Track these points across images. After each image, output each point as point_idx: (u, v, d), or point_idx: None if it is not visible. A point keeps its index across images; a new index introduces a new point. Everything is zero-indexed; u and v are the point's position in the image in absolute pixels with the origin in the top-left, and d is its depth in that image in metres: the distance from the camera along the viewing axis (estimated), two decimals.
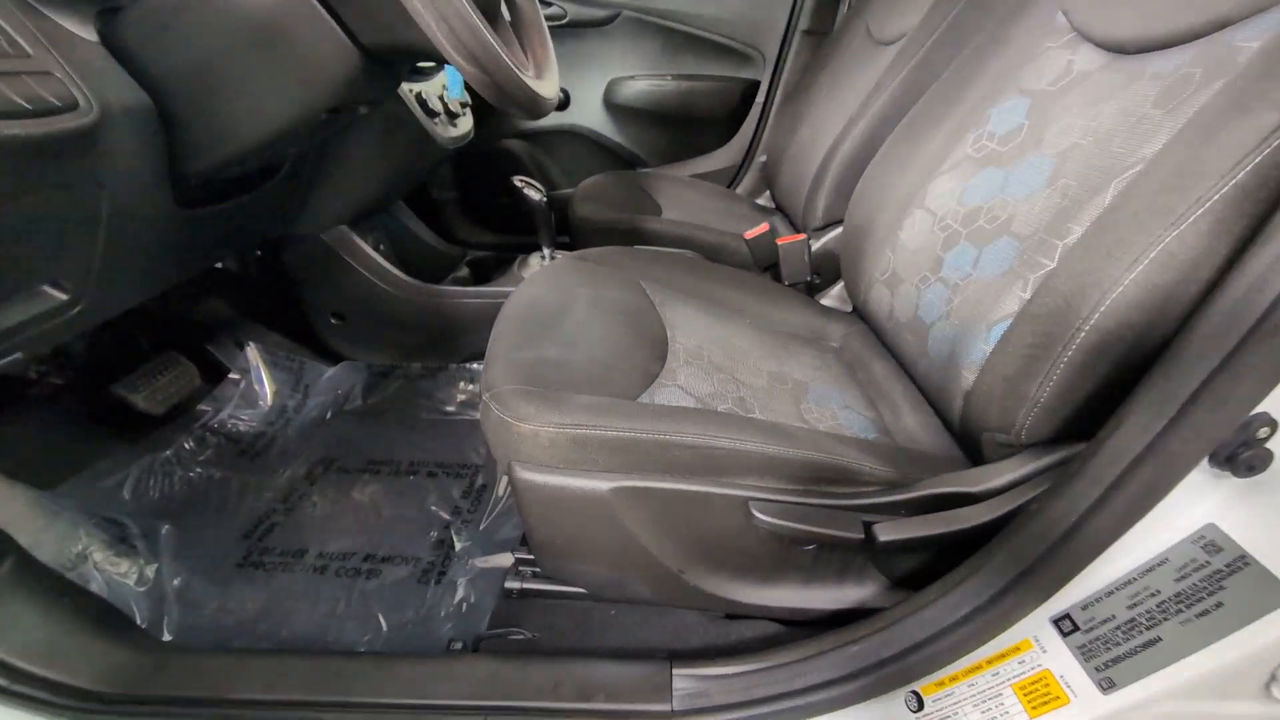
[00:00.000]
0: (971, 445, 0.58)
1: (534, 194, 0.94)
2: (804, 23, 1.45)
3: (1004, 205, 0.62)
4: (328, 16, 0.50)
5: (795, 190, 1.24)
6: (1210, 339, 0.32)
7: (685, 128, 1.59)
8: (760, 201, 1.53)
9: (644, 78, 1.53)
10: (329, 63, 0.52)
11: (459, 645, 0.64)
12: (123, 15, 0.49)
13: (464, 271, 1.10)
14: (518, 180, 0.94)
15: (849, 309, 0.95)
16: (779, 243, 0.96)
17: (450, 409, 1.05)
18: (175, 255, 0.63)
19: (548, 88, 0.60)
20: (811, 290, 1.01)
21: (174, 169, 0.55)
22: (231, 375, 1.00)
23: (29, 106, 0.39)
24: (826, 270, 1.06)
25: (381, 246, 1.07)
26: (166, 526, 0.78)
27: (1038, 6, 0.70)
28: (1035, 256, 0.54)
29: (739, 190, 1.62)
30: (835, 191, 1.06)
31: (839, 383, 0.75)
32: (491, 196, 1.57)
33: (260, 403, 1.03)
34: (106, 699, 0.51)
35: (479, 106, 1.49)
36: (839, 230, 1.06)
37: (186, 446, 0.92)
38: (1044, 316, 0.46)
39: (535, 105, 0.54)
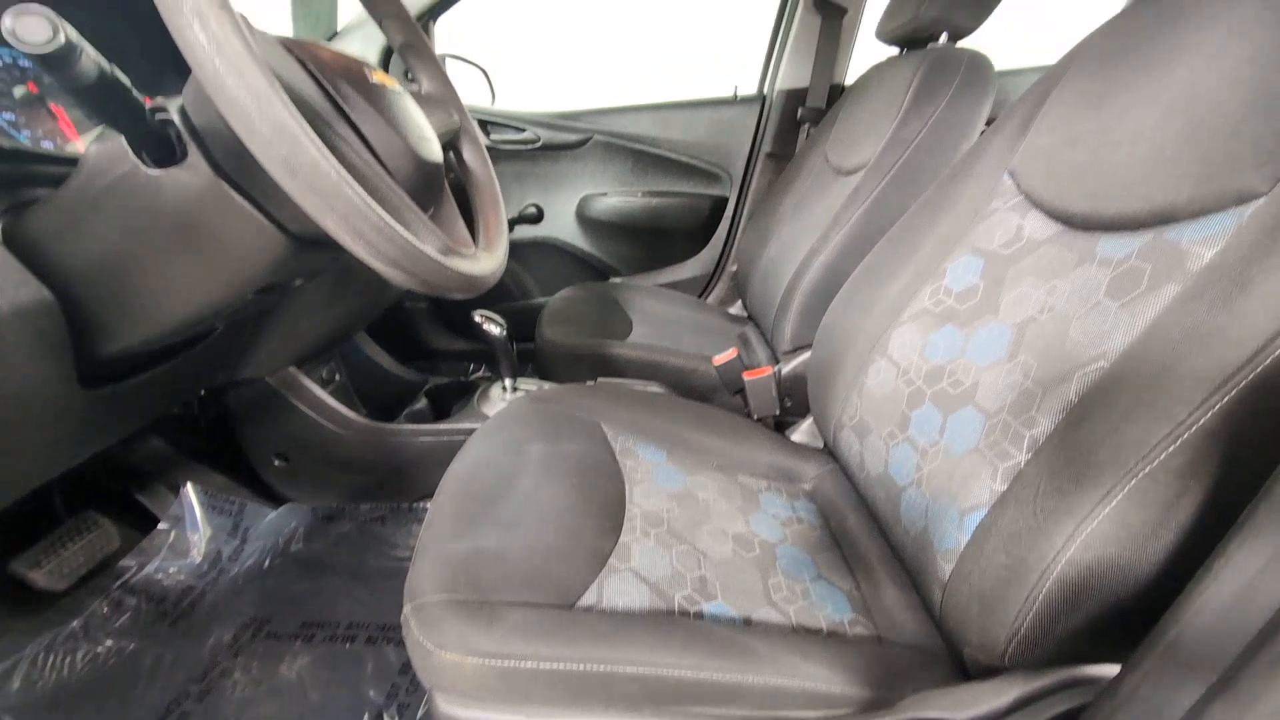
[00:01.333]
0: (955, 646, 0.52)
1: (494, 328, 0.92)
2: (767, 146, 1.51)
3: (966, 369, 0.59)
4: (252, 210, 0.48)
5: (764, 307, 1.24)
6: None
7: (656, 239, 1.62)
8: (733, 311, 1.54)
9: (615, 194, 1.57)
10: (255, 250, 0.50)
11: None
12: (29, 214, 0.47)
13: (422, 403, 1.06)
14: (478, 315, 0.92)
15: (820, 444, 0.92)
16: (745, 377, 0.94)
17: (401, 554, 0.98)
18: (81, 435, 0.58)
19: (490, 262, 0.58)
20: (781, 424, 0.97)
21: (79, 352, 0.51)
22: (161, 525, 0.92)
23: None
24: (798, 396, 1.03)
25: (338, 376, 1.03)
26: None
27: (985, 164, 0.71)
28: (1003, 443, 0.50)
29: (710, 299, 1.62)
30: (800, 318, 1.05)
31: (810, 544, 0.70)
32: (465, 305, 1.56)
33: (192, 553, 0.95)
34: None
35: None
36: (808, 354, 1.04)
37: (99, 614, 0.82)
38: (1016, 536, 0.41)
39: (471, 287, 0.52)
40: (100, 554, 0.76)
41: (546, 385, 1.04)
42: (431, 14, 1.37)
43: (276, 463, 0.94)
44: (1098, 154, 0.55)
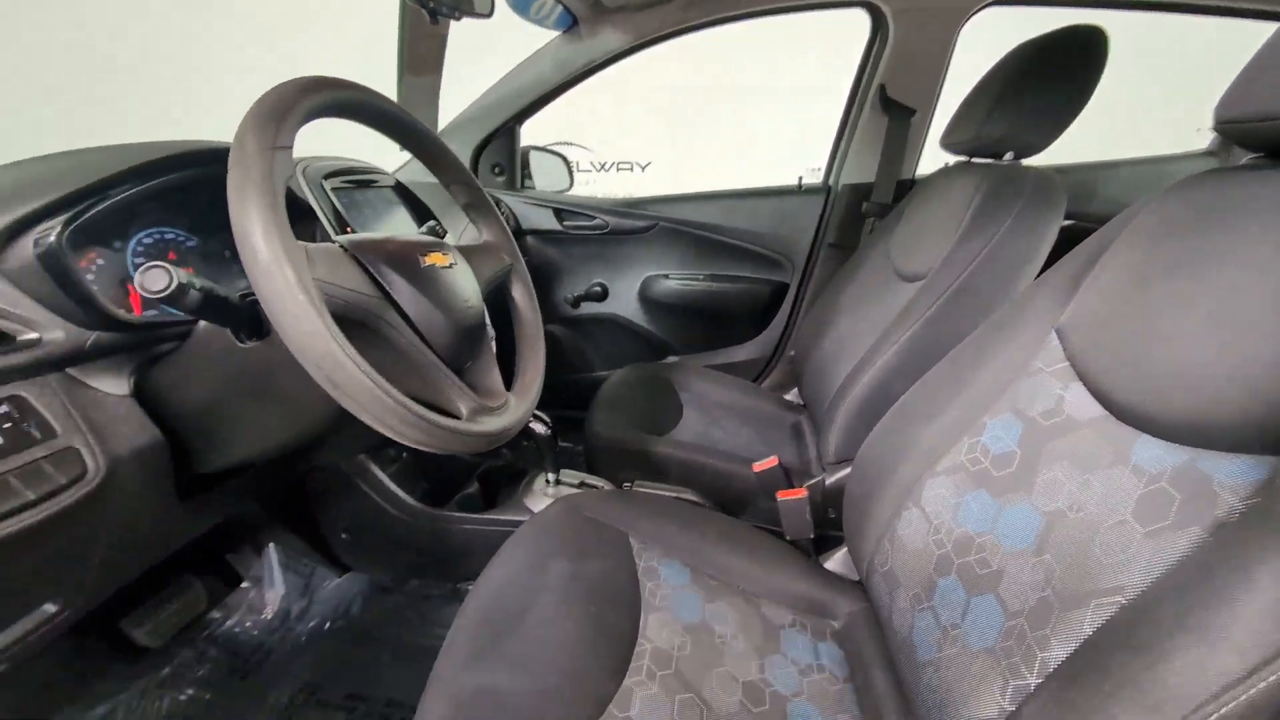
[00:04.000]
0: None
1: (540, 427, 0.98)
2: (830, 236, 1.50)
3: (994, 550, 0.56)
4: None
5: (817, 401, 1.22)
6: None
7: (716, 321, 1.64)
8: (788, 397, 1.52)
9: (677, 277, 1.62)
10: (320, 405, 0.58)
11: None
12: (154, 371, 0.58)
13: (474, 487, 1.13)
14: None
15: (857, 575, 0.88)
16: (779, 497, 0.93)
17: (440, 632, 1.03)
18: (179, 533, 0.69)
19: (519, 409, 0.63)
20: (822, 540, 0.94)
21: (178, 474, 0.62)
22: (244, 584, 1.04)
23: (33, 497, 0.45)
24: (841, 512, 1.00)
25: (403, 455, 1.13)
26: None
27: (1033, 314, 0.68)
28: (1016, 655, 0.47)
29: (766, 384, 1.61)
30: (846, 432, 1.02)
31: (827, 702, 0.67)
32: None
33: (267, 610, 1.06)
34: None
35: None
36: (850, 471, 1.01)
37: (185, 662, 0.94)
38: None
39: (495, 443, 0.57)
40: (192, 613, 0.88)
41: (589, 479, 1.08)
42: (518, 119, 1.51)
43: (344, 536, 1.05)
44: (1143, 340, 0.51)
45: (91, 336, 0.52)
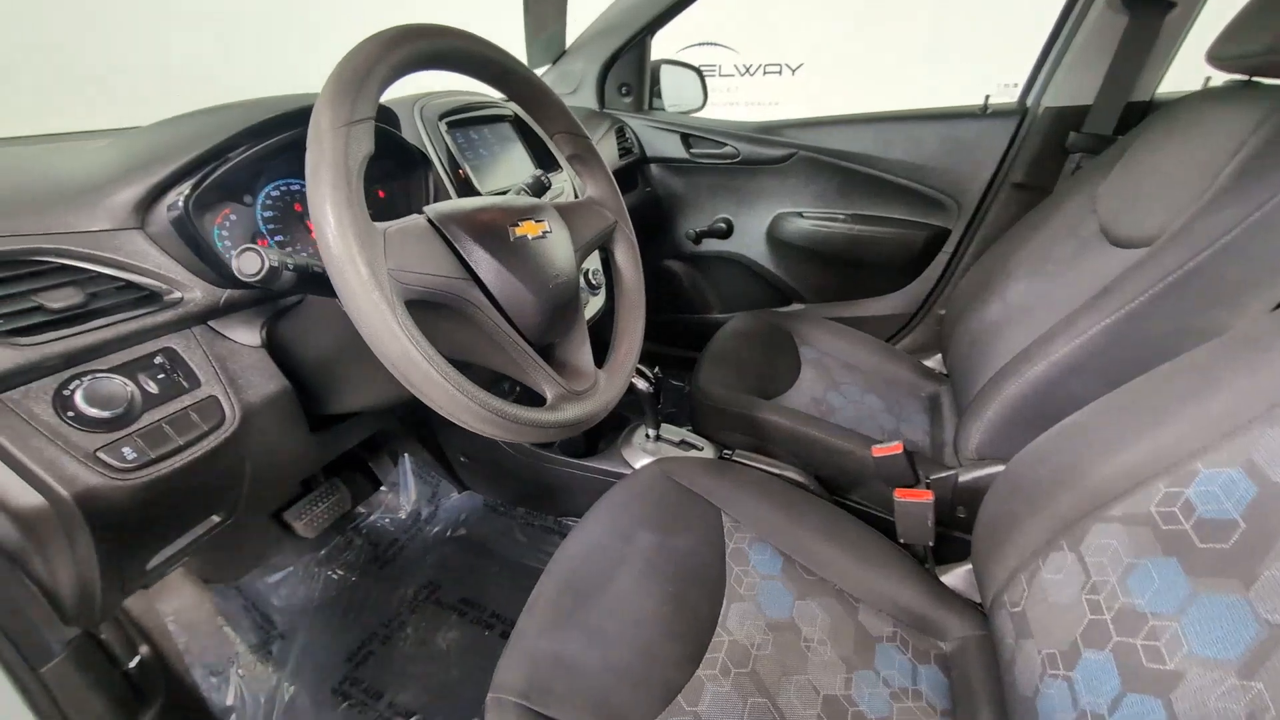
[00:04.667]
0: None
1: (642, 382, 0.95)
2: (1016, 175, 1.22)
3: (1174, 646, 0.44)
4: None
5: (965, 378, 1.05)
6: None
7: (854, 269, 1.45)
8: (929, 364, 1.33)
9: (813, 215, 1.44)
10: None
11: None
12: (281, 323, 0.62)
13: None
14: None
15: (979, 597, 0.77)
16: (896, 497, 0.82)
17: (542, 558, 1.11)
18: (316, 457, 0.78)
19: (609, 390, 0.59)
20: (942, 550, 0.83)
21: (308, 415, 0.68)
22: (383, 487, 1.19)
23: (184, 441, 0.52)
24: (971, 515, 0.87)
25: (517, 389, 1.18)
26: (300, 631, 0.96)
27: None
28: None
29: (903, 344, 1.42)
30: (999, 427, 0.86)
31: None
32: (651, 311, 1.63)
33: (401, 511, 1.21)
34: None
35: (646, 228, 1.56)
36: (994, 470, 0.87)
37: (338, 548, 1.12)
38: None
39: (576, 430, 0.55)
40: (339, 511, 1.03)
41: (690, 438, 1.05)
42: (649, 29, 1.36)
43: (462, 459, 1.14)
44: None
45: (225, 294, 0.57)
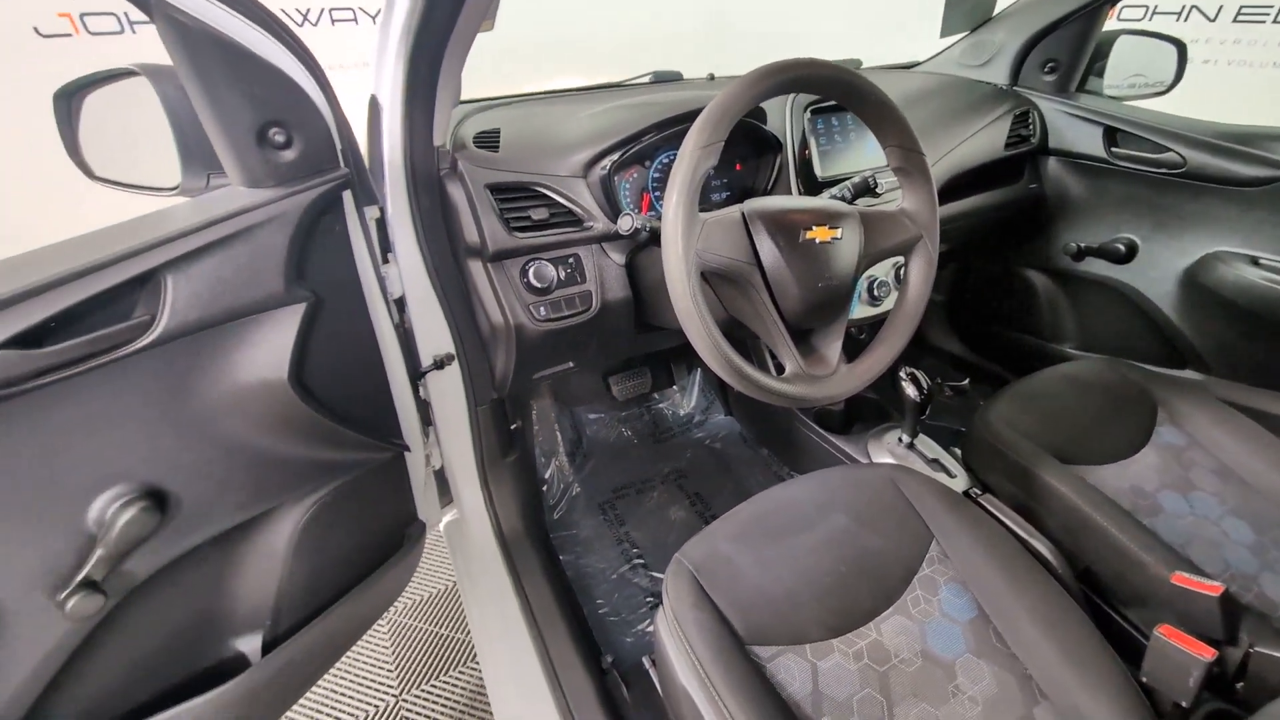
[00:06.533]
0: None
1: (911, 389, 0.94)
2: None
3: None
4: None
5: None
6: None
7: None
8: None
9: (1271, 266, 1.05)
10: None
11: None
12: (639, 255, 0.88)
13: (839, 405, 1.20)
14: (903, 371, 0.96)
15: None
16: (1157, 631, 0.67)
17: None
18: (640, 346, 1.09)
19: (848, 381, 0.68)
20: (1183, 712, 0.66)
21: (638, 318, 0.96)
22: (674, 386, 1.51)
23: (568, 313, 0.83)
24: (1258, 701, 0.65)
25: None
26: (594, 456, 1.38)
27: None
28: None
29: None
30: None
31: None
32: (986, 318, 1.49)
33: (682, 409, 1.52)
34: None
35: (1014, 227, 1.38)
36: None
37: (634, 416, 1.50)
38: None
39: (795, 404, 0.66)
40: (642, 389, 1.40)
41: (944, 461, 1.01)
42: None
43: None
44: None
45: (614, 227, 0.85)
